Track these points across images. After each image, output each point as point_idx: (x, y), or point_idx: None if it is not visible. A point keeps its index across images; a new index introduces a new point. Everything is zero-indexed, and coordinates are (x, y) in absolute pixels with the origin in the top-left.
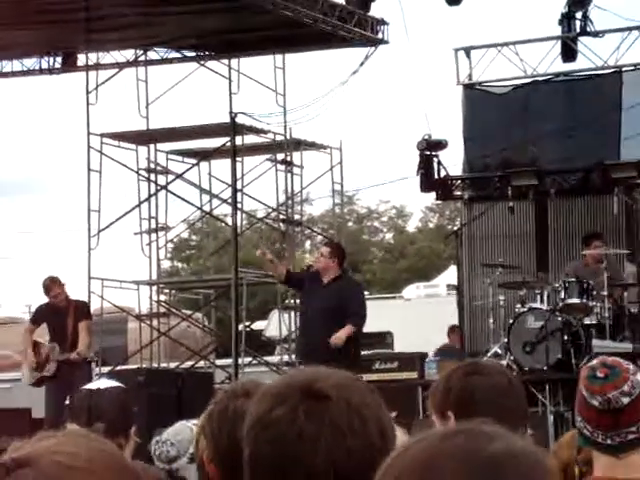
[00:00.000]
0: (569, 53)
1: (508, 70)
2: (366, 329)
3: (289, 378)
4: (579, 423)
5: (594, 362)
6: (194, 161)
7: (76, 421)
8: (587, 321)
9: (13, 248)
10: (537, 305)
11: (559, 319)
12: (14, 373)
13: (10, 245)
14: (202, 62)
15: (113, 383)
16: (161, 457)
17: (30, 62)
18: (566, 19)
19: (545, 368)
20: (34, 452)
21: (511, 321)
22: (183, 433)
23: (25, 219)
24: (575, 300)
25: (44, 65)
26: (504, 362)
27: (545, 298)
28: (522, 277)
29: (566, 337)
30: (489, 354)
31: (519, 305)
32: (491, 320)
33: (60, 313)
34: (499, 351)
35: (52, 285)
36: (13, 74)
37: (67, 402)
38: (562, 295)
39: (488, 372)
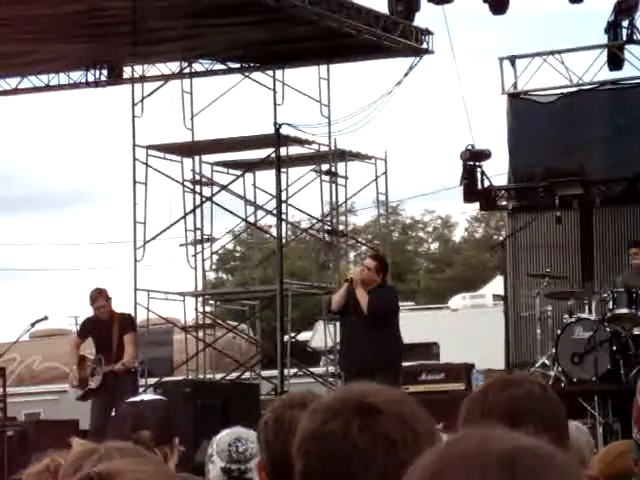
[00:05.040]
0: (615, 61)
1: (554, 79)
2: (412, 339)
3: (340, 393)
4: (636, 434)
5: None
6: (239, 172)
7: (120, 434)
8: (636, 331)
9: (60, 260)
10: (585, 315)
11: (607, 329)
12: (61, 385)
13: (57, 257)
14: (247, 73)
15: (156, 396)
16: (245, 454)
17: (76, 75)
18: (612, 27)
19: (594, 379)
20: (115, 468)
21: (559, 332)
22: (250, 433)
23: (72, 231)
24: (624, 310)
25: (90, 78)
26: (551, 373)
27: (593, 308)
28: (569, 287)
29: (615, 347)
30: (537, 365)
31: (567, 315)
32: (538, 331)
33: (105, 326)
34: (547, 362)
35: (98, 297)
36: (60, 87)
37: (113, 414)
38: (610, 305)
39: (519, 382)
